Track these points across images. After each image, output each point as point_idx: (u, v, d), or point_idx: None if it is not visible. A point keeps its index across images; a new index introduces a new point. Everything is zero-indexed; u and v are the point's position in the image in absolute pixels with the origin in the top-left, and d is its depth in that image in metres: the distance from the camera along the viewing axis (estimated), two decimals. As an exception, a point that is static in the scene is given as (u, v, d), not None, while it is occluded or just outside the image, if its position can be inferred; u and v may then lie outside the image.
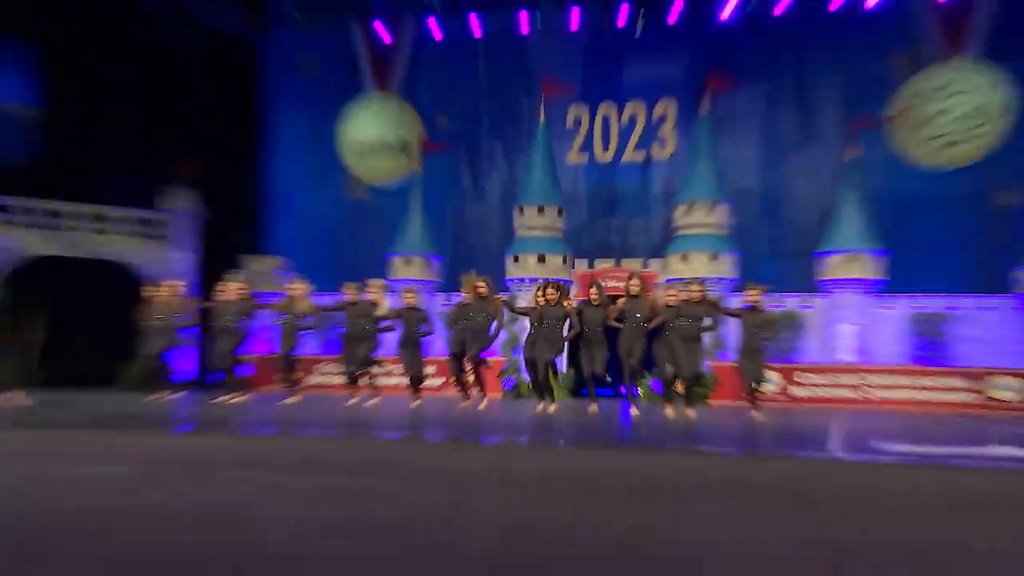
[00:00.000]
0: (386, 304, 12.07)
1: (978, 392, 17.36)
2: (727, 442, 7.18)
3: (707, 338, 11.33)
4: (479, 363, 11.71)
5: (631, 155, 21.23)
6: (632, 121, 21.25)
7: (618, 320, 10.96)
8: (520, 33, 21.79)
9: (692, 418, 10.61)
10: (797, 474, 4.99)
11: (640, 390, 17.54)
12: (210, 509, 3.28)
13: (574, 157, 21.52)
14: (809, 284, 19.00)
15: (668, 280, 17.82)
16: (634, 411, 10.99)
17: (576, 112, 21.51)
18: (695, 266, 18.30)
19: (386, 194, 22.48)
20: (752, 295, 11.08)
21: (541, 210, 19.42)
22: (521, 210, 19.64)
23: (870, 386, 17.75)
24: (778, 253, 20.15)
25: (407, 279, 19.94)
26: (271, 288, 18.79)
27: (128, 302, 16.92)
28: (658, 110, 21.13)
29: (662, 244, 19.94)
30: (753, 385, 11.03)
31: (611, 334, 11.36)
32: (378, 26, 22.28)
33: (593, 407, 11.39)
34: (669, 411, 11.12)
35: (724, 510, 3.31)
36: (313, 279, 20.20)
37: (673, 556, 2.67)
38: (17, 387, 11.04)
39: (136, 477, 4.05)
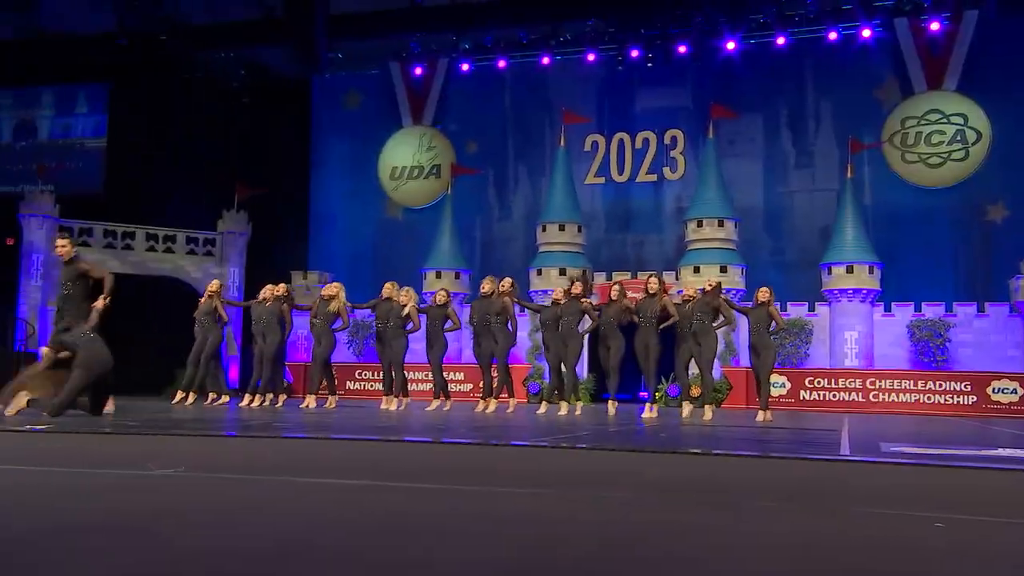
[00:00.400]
0: (414, 306, 11.50)
1: (978, 395, 16.58)
2: (741, 444, 6.65)
3: (721, 338, 10.69)
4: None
5: (644, 176, 20.95)
6: (645, 145, 20.94)
7: (636, 315, 10.34)
8: (541, 67, 21.50)
9: (708, 420, 9.95)
10: (813, 475, 4.45)
11: (656, 393, 17.12)
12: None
13: (592, 179, 21.23)
14: (814, 294, 18.46)
15: (680, 292, 17.35)
16: (647, 413, 10.32)
17: (593, 138, 21.22)
18: (706, 277, 17.75)
19: (420, 214, 22.35)
20: (762, 294, 10.40)
21: (562, 227, 19.29)
22: (544, 227, 19.52)
23: (875, 390, 17.11)
24: (782, 265, 19.77)
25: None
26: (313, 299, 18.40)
27: (181, 314, 16.60)
28: (668, 135, 20.81)
29: (675, 258, 19.60)
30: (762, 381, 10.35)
31: (630, 337, 10.71)
32: (414, 66, 22.13)
33: (611, 409, 10.76)
34: (685, 412, 10.46)
35: (744, 510, 2.81)
36: (353, 292, 20.06)
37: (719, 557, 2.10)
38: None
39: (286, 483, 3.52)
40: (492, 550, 2.41)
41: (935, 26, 18.78)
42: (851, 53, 19.61)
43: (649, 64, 20.40)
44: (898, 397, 16.95)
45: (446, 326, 11.34)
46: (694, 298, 10.55)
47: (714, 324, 10.35)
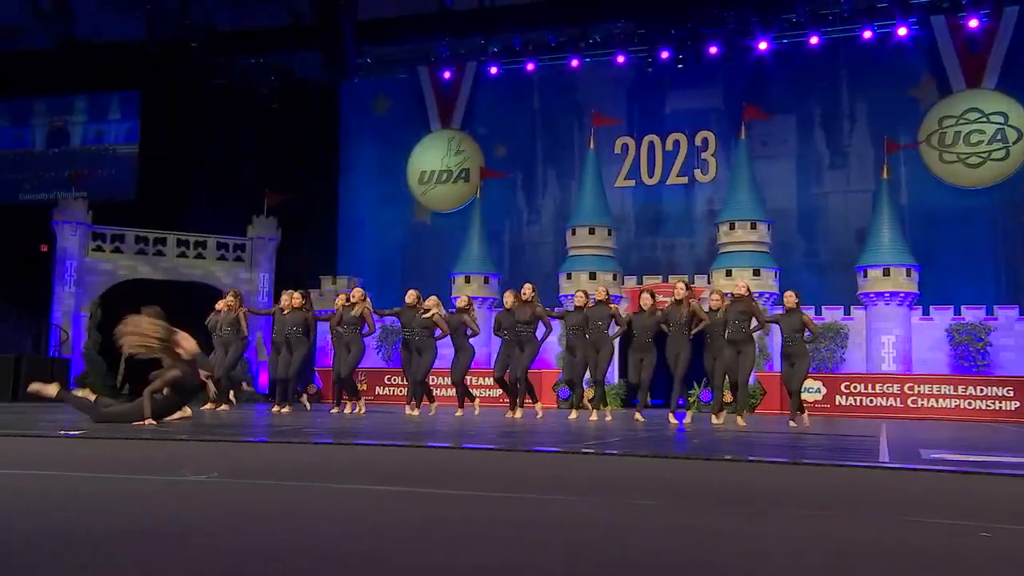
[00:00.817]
0: (439, 312, 11.49)
1: (1021, 400, 16.25)
2: (775, 451, 6.55)
3: (756, 343, 10.55)
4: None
5: (675, 179, 20.88)
6: (676, 147, 20.87)
7: (665, 324, 10.23)
8: (570, 70, 21.49)
9: (741, 426, 9.84)
10: (847, 482, 4.38)
11: (688, 399, 17.03)
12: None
13: (622, 181, 21.20)
14: (850, 297, 18.23)
15: (707, 298, 17.23)
16: (672, 420, 10.23)
17: (623, 140, 21.17)
18: (739, 281, 17.63)
19: (448, 218, 22.44)
20: (788, 298, 10.24)
21: (592, 231, 19.22)
22: (573, 231, 19.48)
23: (914, 395, 16.85)
24: (816, 268, 19.62)
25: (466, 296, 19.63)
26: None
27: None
28: (699, 137, 20.70)
29: (707, 261, 19.46)
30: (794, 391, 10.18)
31: (661, 344, 10.65)
32: (443, 70, 22.23)
33: (639, 416, 10.69)
34: (717, 420, 10.34)
35: (778, 518, 2.77)
36: (382, 297, 20.17)
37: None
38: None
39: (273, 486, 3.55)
40: (515, 555, 2.40)
41: (973, 23, 18.51)
42: (886, 52, 19.42)
43: (680, 65, 20.32)
44: (937, 403, 16.68)
45: (466, 333, 11.38)
46: (722, 304, 10.40)
47: (751, 329, 10.20)
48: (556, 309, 18.28)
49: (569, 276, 19.05)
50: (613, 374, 17.69)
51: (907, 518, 3.18)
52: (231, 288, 12.66)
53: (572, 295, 18.31)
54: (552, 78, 21.84)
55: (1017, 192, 18.52)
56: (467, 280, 19.88)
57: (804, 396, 10.59)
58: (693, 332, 10.24)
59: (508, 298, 11.21)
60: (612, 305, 11.01)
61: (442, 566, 2.24)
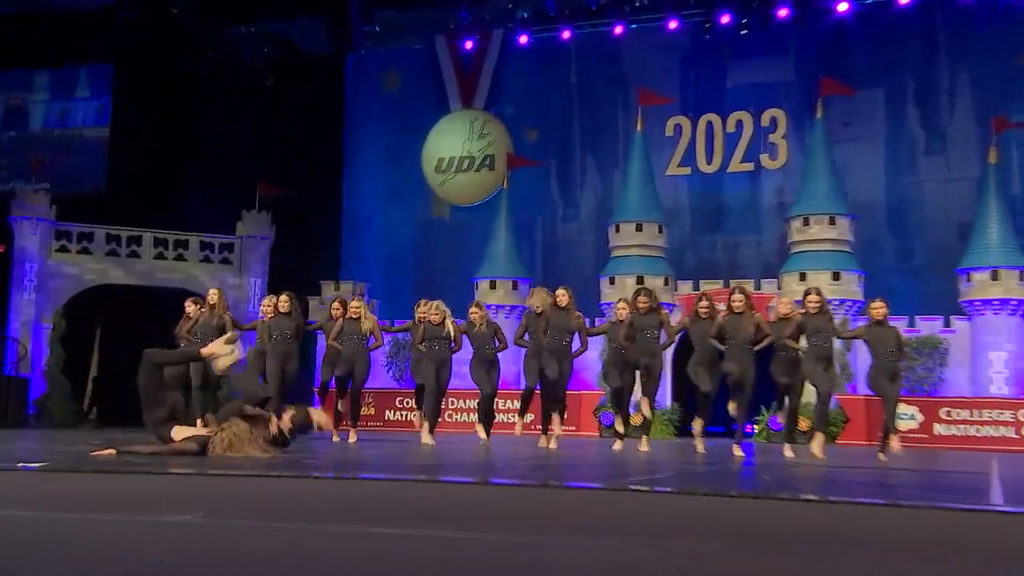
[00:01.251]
0: (451, 323, 11.51)
1: None
2: (862, 489, 6.45)
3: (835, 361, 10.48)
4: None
5: (738, 165, 20.84)
6: (739, 128, 20.85)
7: (719, 340, 10.14)
8: (614, 38, 21.51)
9: (819, 460, 9.72)
10: (950, 527, 4.29)
11: (756, 427, 16.92)
12: None
13: (674, 169, 21.18)
14: (950, 306, 18.01)
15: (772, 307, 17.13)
16: (738, 452, 10.14)
17: (676, 121, 21.18)
18: (813, 288, 17.53)
19: (470, 213, 22.55)
20: (877, 308, 10.09)
21: (639, 227, 19.21)
22: (617, 228, 19.48)
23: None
24: (909, 271, 19.46)
25: (492, 305, 19.62)
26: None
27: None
28: (767, 116, 20.69)
29: (776, 263, 19.37)
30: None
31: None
32: (464, 40, 22.33)
33: (699, 445, 10.61)
34: (789, 452, 10.25)
35: (862, 567, 2.70)
36: (393, 306, 20.23)
37: None
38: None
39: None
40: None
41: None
42: (994, 14, 19.24)
43: (743, 31, 20.29)
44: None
45: (495, 345, 11.43)
46: (790, 316, 10.31)
47: (828, 347, 10.09)
48: (597, 322, 18.27)
49: (612, 281, 19.04)
50: (664, 396, 17.60)
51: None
52: (213, 289, 12.41)
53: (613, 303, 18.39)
54: (592, 48, 21.84)
55: None
56: (492, 286, 19.94)
57: (897, 423, 10.44)
58: (757, 348, 10.18)
59: (540, 297, 11.17)
60: (663, 311, 11.00)
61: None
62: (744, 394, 10.19)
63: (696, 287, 18.91)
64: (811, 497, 5.44)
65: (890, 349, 9.94)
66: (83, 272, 19.41)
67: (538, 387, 11.18)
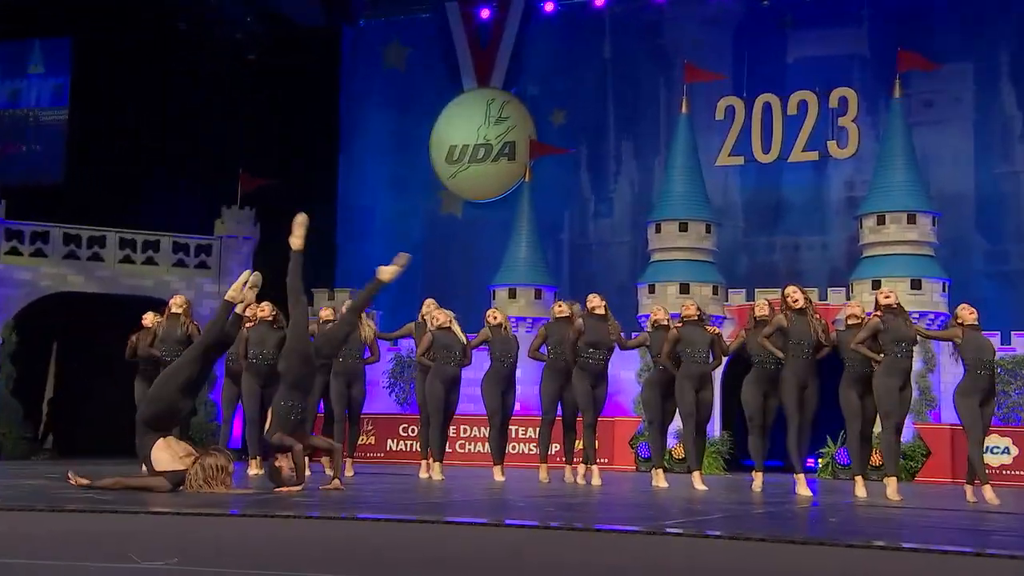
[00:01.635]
0: (459, 332, 11.59)
1: None
2: (945, 535, 6.44)
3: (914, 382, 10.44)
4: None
5: (800, 155, 20.70)
6: (802, 111, 20.72)
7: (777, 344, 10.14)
8: (654, 5, 21.58)
9: (894, 501, 9.69)
10: None
11: (820, 460, 16.84)
12: None
13: (726, 159, 21.08)
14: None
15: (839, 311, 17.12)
16: (803, 490, 10.12)
17: (727, 102, 21.11)
18: (891, 297, 17.47)
19: (487, 209, 22.58)
20: (968, 313, 9.98)
21: (684, 227, 19.12)
22: (658, 227, 19.38)
23: None
24: (1003, 278, 19.41)
25: (510, 317, 19.62)
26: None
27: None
28: (835, 96, 20.54)
29: (845, 268, 19.32)
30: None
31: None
32: (479, 7, 22.44)
33: (757, 483, 10.61)
34: (860, 490, 10.21)
35: None
36: (396, 318, 20.25)
37: None
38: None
39: None
40: None
41: None
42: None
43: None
44: None
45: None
46: (862, 321, 10.25)
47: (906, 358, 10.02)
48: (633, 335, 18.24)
49: (651, 289, 18.95)
50: (714, 425, 17.55)
51: None
52: (178, 295, 12.46)
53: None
54: (630, 16, 21.82)
55: None
56: (511, 294, 19.92)
57: (986, 458, 10.40)
58: (820, 355, 10.20)
59: (566, 307, 11.30)
60: (711, 328, 11.05)
61: None
62: (805, 414, 10.17)
63: (750, 296, 18.90)
64: (884, 544, 5.43)
65: (987, 359, 9.84)
66: (37, 278, 19.51)
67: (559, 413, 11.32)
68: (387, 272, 8.70)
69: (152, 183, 21.87)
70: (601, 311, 11.04)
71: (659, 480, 11.07)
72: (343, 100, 23.76)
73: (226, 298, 8.59)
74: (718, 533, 5.82)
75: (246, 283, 8.62)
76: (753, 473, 10.94)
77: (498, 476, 11.46)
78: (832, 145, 20.53)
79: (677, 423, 11.45)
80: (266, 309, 11.68)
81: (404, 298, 21.42)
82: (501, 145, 22.58)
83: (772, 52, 21.03)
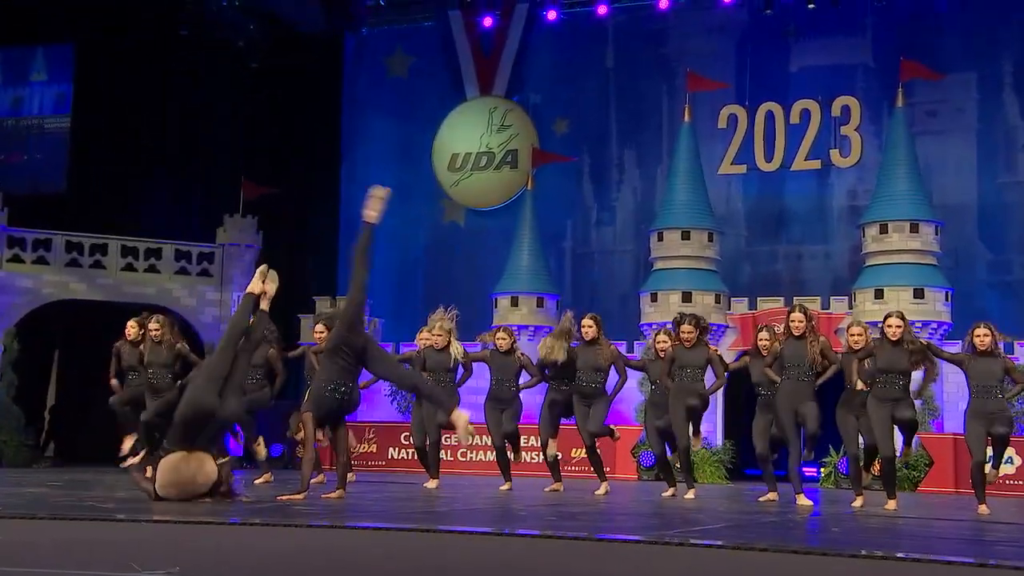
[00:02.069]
0: (459, 347, 11.56)
1: None
2: (948, 545, 6.43)
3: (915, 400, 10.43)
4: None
5: (803, 163, 20.75)
6: (805, 119, 20.75)
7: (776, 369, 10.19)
8: (658, 13, 21.54)
9: (893, 511, 9.69)
10: None
11: (822, 470, 16.82)
12: None
13: (728, 167, 21.13)
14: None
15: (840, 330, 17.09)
16: (802, 500, 10.14)
17: (730, 110, 21.16)
18: (893, 306, 17.44)
19: (489, 218, 22.59)
20: (982, 334, 9.97)
21: (686, 235, 19.15)
22: (660, 235, 19.42)
23: None
24: (1006, 288, 19.41)
25: (513, 326, 19.60)
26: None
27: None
28: (838, 105, 20.62)
29: (848, 278, 19.31)
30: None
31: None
32: (482, 15, 22.47)
33: (772, 495, 10.73)
34: (859, 502, 10.22)
35: None
36: (399, 326, 20.28)
37: None
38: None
39: None
40: None
41: None
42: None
43: (811, 5, 20.27)
44: None
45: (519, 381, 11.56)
46: (866, 342, 10.29)
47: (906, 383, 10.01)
48: (636, 346, 18.27)
49: (654, 298, 18.98)
50: (717, 435, 17.57)
51: None
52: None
53: (660, 324, 18.36)
54: (632, 25, 21.86)
55: None
56: (514, 302, 19.95)
57: (989, 468, 10.38)
58: (820, 381, 10.20)
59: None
60: (711, 348, 11.14)
61: None
62: (808, 431, 10.18)
63: (753, 305, 18.92)
64: (885, 554, 5.42)
65: (992, 384, 9.80)
66: (39, 286, 19.54)
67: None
68: (372, 213, 8.44)
69: (154, 191, 21.91)
70: (591, 334, 11.06)
71: (691, 495, 11.07)
72: (346, 108, 23.76)
73: (248, 291, 8.57)
74: (721, 543, 5.82)
75: (265, 277, 8.58)
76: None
77: (504, 487, 11.51)
78: (835, 154, 20.57)
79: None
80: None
81: (406, 301, 21.49)
82: (504, 153, 22.60)
83: (775, 61, 21.05)
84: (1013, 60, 19.90)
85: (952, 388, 17.03)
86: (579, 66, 22.28)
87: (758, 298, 19.09)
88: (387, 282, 22.33)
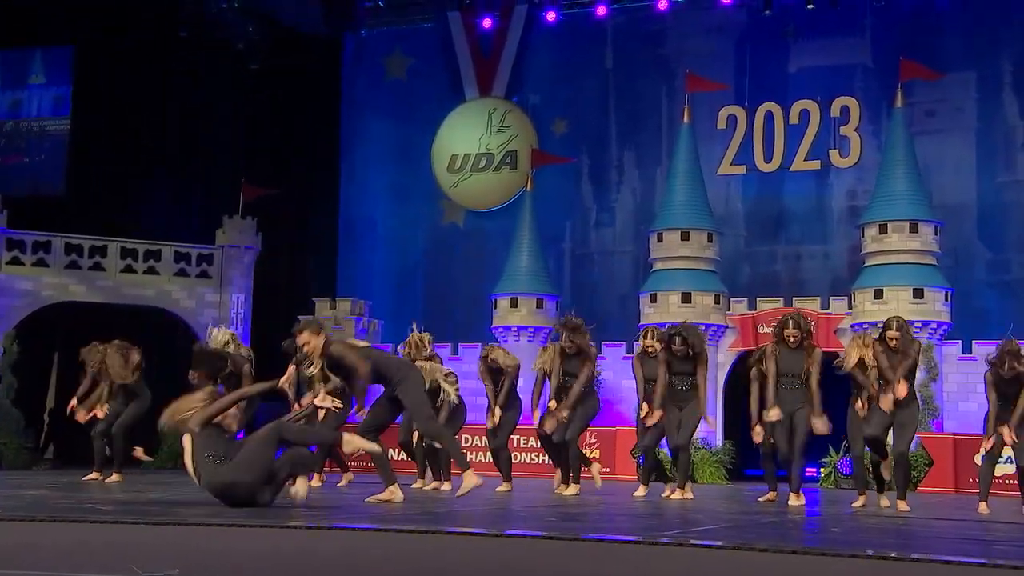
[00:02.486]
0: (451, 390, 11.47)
1: None
2: (951, 546, 6.41)
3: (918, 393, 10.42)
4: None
5: (802, 163, 20.76)
6: (804, 120, 20.77)
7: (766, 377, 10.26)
8: (657, 14, 21.55)
9: (901, 511, 9.70)
10: None
11: (822, 470, 16.81)
12: None
13: (728, 167, 21.14)
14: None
15: (856, 326, 17.08)
16: (795, 500, 10.14)
17: (729, 111, 21.17)
18: (892, 306, 17.49)
19: (488, 219, 22.61)
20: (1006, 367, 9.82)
21: (685, 236, 19.12)
22: (659, 236, 19.40)
23: None
24: (1005, 287, 19.40)
25: (513, 326, 19.61)
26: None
27: (168, 357, 16.98)
28: (837, 105, 20.63)
29: (848, 278, 19.31)
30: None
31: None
32: (481, 17, 22.48)
33: (771, 495, 10.79)
34: (860, 501, 10.23)
35: None
36: (398, 327, 20.24)
37: None
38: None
39: None
40: None
41: None
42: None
43: (810, 5, 20.29)
44: None
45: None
46: (870, 347, 10.27)
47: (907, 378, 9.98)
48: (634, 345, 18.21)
49: (653, 298, 18.95)
50: (718, 434, 17.55)
51: None
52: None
53: (659, 325, 18.36)
54: (632, 26, 21.89)
55: None
56: (513, 303, 19.90)
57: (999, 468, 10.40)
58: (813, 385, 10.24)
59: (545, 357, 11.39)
60: (702, 358, 11.11)
61: None
62: (796, 440, 10.18)
63: (752, 306, 18.91)
64: (888, 554, 5.41)
65: (1011, 393, 9.73)
66: (39, 288, 19.53)
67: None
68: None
69: (154, 193, 21.90)
70: (571, 348, 11.07)
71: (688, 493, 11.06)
72: (345, 109, 23.79)
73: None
74: (720, 543, 5.82)
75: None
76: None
77: (503, 488, 11.59)
78: (834, 154, 20.59)
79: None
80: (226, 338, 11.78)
81: (405, 302, 21.46)
82: (503, 154, 22.62)
83: (774, 61, 21.08)
84: (1012, 60, 19.91)
85: (952, 388, 17.07)
86: (578, 67, 22.32)
87: (757, 298, 19.08)
88: (386, 283, 22.38)
